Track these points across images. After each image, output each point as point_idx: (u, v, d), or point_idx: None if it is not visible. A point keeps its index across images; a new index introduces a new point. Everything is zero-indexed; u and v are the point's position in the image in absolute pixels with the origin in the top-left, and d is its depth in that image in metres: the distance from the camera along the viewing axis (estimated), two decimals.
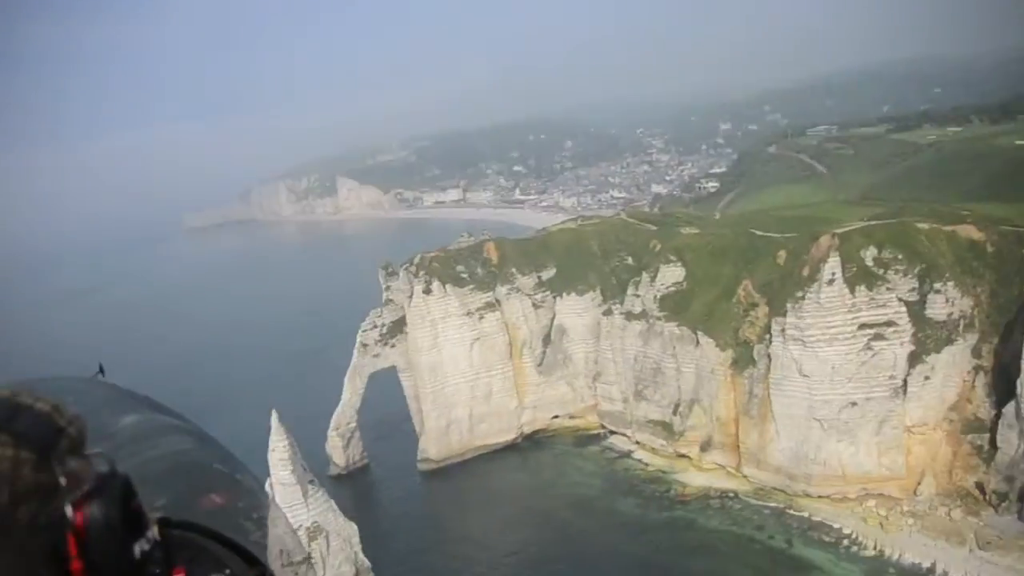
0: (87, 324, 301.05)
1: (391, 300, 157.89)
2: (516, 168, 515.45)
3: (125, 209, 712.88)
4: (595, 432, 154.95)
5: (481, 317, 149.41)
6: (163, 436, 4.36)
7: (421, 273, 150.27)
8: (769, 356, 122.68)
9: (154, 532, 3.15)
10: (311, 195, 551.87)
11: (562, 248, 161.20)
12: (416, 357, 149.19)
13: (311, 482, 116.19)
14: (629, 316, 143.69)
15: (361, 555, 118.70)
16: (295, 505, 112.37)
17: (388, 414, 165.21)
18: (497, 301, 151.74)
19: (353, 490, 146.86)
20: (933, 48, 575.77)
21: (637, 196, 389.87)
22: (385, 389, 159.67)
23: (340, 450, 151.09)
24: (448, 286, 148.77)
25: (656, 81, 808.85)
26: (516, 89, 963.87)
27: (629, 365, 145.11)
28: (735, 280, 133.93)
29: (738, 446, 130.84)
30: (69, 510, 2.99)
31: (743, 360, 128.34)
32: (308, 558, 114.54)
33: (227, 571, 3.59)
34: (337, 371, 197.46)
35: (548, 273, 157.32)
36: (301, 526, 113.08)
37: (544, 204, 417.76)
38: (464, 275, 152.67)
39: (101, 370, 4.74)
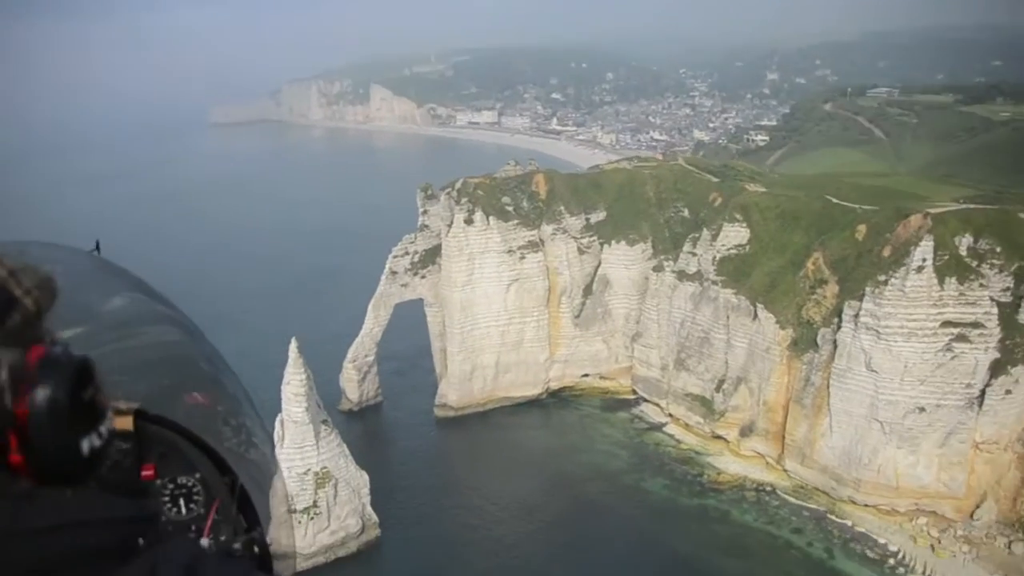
0: (104, 212, 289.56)
1: (427, 226, 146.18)
2: (554, 95, 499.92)
3: (149, 95, 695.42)
4: (625, 397, 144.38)
5: (522, 257, 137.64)
6: (152, 324, 3.96)
7: (464, 200, 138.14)
8: (835, 343, 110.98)
9: (109, 426, 2.87)
10: (342, 101, 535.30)
11: (615, 190, 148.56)
12: (448, 292, 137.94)
13: (324, 422, 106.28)
14: (682, 276, 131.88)
15: (369, 508, 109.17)
16: (306, 446, 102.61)
17: (407, 349, 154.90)
18: (541, 241, 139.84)
19: (364, 430, 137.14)
20: (992, 17, 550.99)
21: (678, 140, 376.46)
22: (406, 322, 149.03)
23: (355, 384, 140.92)
24: (492, 218, 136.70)
25: (704, 19, 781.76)
26: (561, 9, 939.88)
27: (674, 330, 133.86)
28: (805, 251, 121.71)
29: (783, 436, 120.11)
30: (9, 397, 2.71)
31: (804, 342, 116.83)
32: (313, 505, 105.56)
33: (197, 475, 3.47)
34: (357, 293, 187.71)
35: (598, 216, 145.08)
36: (309, 470, 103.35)
37: (581, 137, 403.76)
38: (509, 207, 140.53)
39: (97, 247, 4.31)
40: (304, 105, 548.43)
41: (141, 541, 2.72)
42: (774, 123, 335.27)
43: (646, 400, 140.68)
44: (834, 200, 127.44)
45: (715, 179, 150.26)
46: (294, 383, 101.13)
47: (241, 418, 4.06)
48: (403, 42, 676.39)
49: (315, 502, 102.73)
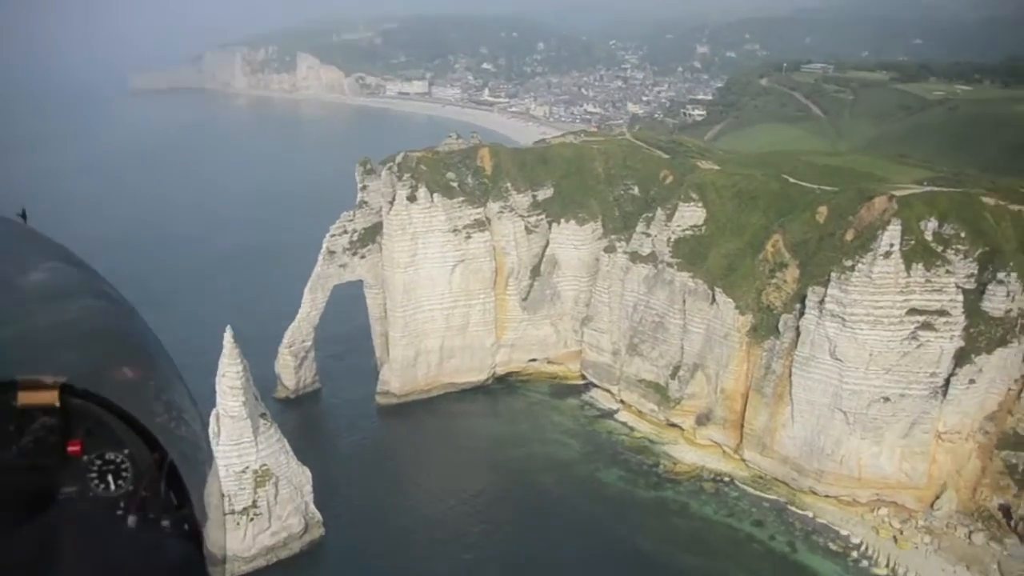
0: (20, 183, 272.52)
1: (366, 203, 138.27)
2: (485, 66, 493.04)
3: (68, 60, 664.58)
4: (574, 383, 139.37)
5: (468, 236, 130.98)
6: (82, 296, 3.88)
7: (406, 176, 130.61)
8: (798, 329, 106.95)
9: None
10: (267, 68, 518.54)
11: (562, 165, 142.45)
12: (390, 274, 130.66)
13: (262, 416, 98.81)
14: (635, 257, 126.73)
15: (312, 506, 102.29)
16: (243, 443, 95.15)
17: (345, 331, 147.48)
18: (487, 219, 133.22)
19: (302, 420, 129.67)
20: None
21: (612, 113, 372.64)
22: (343, 303, 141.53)
23: (291, 371, 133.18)
24: (436, 195, 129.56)
25: None
26: None
27: (626, 313, 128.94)
28: (764, 233, 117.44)
29: (742, 425, 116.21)
30: None
31: (764, 328, 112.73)
32: (253, 505, 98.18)
33: (125, 451, 3.42)
34: (288, 272, 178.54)
35: (545, 193, 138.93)
36: (248, 468, 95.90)
37: (514, 109, 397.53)
38: (454, 184, 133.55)
39: (23, 215, 4.23)
40: (228, 73, 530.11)
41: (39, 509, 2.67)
42: (710, 98, 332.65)
43: (596, 386, 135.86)
44: (791, 180, 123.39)
45: (665, 155, 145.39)
46: (229, 375, 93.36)
47: (172, 394, 3.76)
48: (330, 7, 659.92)
49: (255, 502, 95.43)
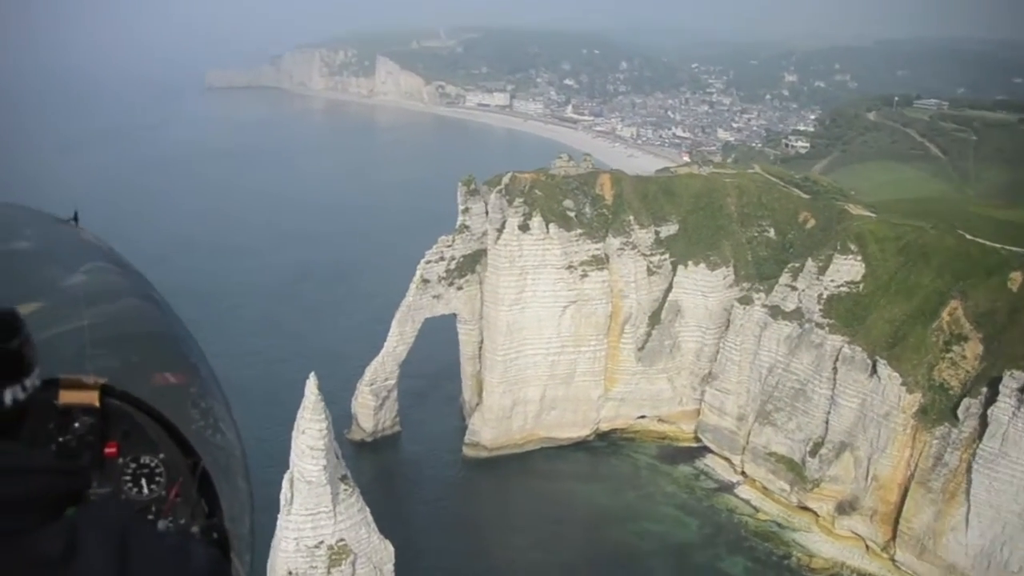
0: (91, 176, 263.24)
1: (467, 227, 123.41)
2: (567, 82, 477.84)
3: (146, 55, 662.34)
4: (686, 445, 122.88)
5: (584, 274, 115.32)
6: (125, 299, 3.92)
7: (518, 200, 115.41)
8: (984, 418, 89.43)
9: (35, 382, 2.92)
10: (345, 71, 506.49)
11: (689, 199, 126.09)
12: (492, 311, 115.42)
13: (343, 478, 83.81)
14: (776, 312, 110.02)
15: None
16: (320, 513, 79.75)
17: (428, 366, 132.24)
18: (606, 256, 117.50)
19: (379, 470, 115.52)
20: (1000, 32, 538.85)
21: (703, 139, 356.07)
22: (428, 334, 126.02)
23: (370, 411, 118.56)
24: (552, 226, 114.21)
25: (712, 12, 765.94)
26: None
27: (759, 375, 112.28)
28: (937, 298, 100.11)
29: (896, 520, 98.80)
30: None
31: (935, 411, 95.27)
32: None
33: (160, 455, 3.47)
34: (360, 296, 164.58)
35: (669, 229, 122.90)
36: (323, 542, 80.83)
37: (600, 128, 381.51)
38: (571, 213, 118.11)
39: (76, 217, 4.28)
40: (305, 73, 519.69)
41: (70, 509, 2.66)
42: (811, 129, 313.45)
43: (713, 453, 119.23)
44: (967, 236, 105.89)
45: (804, 195, 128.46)
46: (311, 433, 78.44)
47: (210, 402, 3.78)
48: (411, 13, 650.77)
49: None
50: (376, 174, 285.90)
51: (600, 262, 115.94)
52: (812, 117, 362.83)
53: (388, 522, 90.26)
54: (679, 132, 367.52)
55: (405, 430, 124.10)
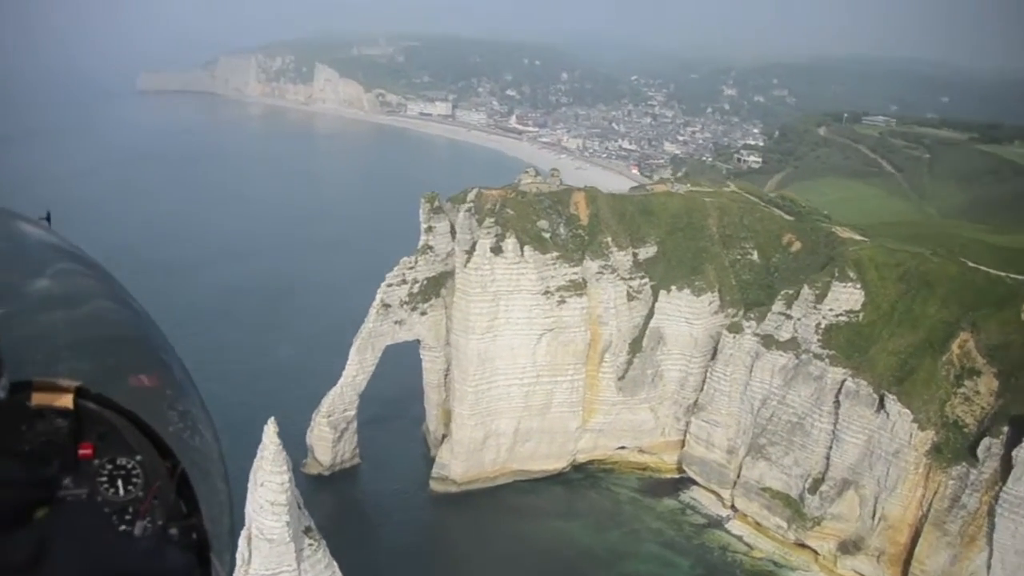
0: (20, 171, 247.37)
1: (430, 247, 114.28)
2: (509, 92, 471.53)
3: (72, 53, 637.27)
4: (668, 476, 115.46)
5: (562, 301, 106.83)
6: (97, 300, 3.84)
7: (488, 221, 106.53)
8: (1009, 460, 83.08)
9: (5, 383, 2.97)
10: (283, 78, 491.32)
11: (668, 220, 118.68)
12: (461, 340, 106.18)
13: (307, 531, 74.06)
14: (768, 342, 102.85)
15: None
16: (282, 572, 70.28)
17: (388, 390, 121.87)
18: (584, 281, 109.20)
19: (338, 506, 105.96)
20: (928, 52, 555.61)
21: (650, 152, 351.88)
22: (386, 357, 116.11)
23: (328, 444, 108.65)
24: (527, 248, 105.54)
25: (652, 27, 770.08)
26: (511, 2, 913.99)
27: (751, 407, 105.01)
28: (944, 328, 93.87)
29: (906, 562, 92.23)
30: None
31: (949, 450, 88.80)
32: None
33: (137, 457, 3.47)
34: (317, 313, 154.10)
35: (647, 251, 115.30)
36: None
37: (545, 139, 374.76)
38: (546, 235, 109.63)
39: (48, 218, 4.23)
40: (241, 79, 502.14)
41: (41, 511, 2.64)
42: (761, 143, 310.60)
43: (699, 485, 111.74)
44: (970, 263, 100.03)
45: (788, 216, 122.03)
46: (271, 487, 68.64)
47: (186, 404, 3.75)
48: (351, 19, 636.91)
49: None
50: (318, 184, 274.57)
51: (578, 287, 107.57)
52: (755, 131, 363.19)
53: (352, 569, 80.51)
54: (625, 144, 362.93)
55: (365, 462, 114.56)
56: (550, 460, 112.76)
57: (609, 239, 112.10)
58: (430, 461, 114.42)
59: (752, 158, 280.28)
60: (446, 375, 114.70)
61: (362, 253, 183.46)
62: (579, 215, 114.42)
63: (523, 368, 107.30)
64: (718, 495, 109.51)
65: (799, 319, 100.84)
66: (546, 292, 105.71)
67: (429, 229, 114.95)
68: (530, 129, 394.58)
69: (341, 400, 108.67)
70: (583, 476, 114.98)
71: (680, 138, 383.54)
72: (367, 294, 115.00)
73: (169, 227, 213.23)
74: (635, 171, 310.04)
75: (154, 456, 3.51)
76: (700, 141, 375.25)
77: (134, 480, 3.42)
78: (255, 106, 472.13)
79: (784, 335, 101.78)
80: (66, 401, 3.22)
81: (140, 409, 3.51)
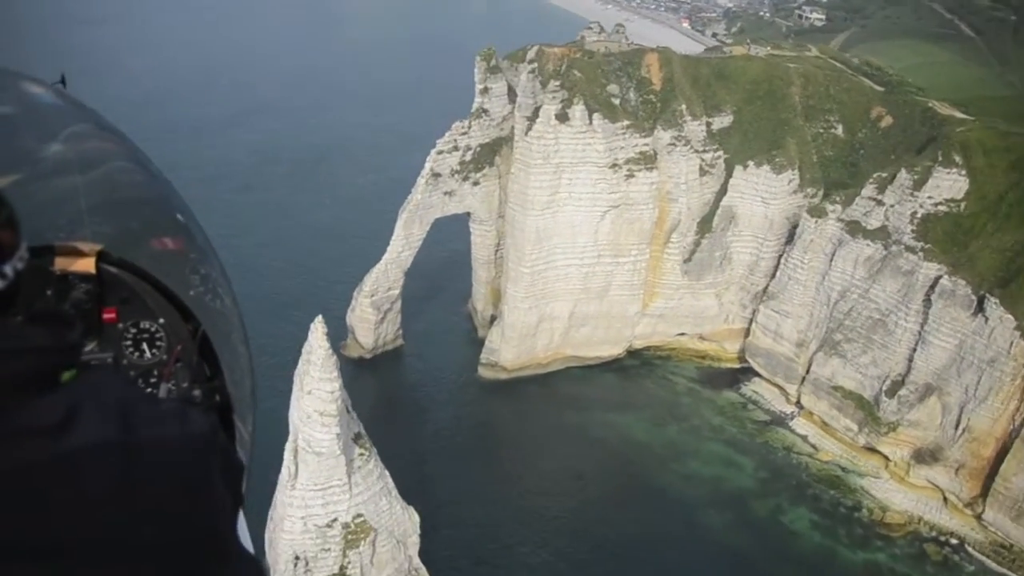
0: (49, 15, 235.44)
1: (485, 111, 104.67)
2: None
3: None
4: (728, 366, 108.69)
5: (630, 175, 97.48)
6: (121, 165, 3.71)
7: (553, 83, 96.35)
8: None
9: (24, 253, 2.80)
10: None
11: (746, 86, 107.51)
12: (518, 215, 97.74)
13: (356, 438, 67.89)
14: (855, 229, 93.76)
15: (417, 559, 72.52)
16: (332, 487, 64.16)
17: (427, 264, 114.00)
18: (654, 153, 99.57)
19: (381, 393, 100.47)
20: None
21: (702, 4, 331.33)
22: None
23: (370, 326, 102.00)
24: (595, 116, 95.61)
25: None
26: None
27: (828, 299, 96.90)
28: None
29: (988, 477, 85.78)
30: None
31: None
32: (341, 573, 67.74)
33: (160, 321, 3.47)
34: (345, 184, 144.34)
35: (722, 121, 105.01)
36: (336, 520, 65.38)
37: None
38: (616, 101, 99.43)
39: (63, 81, 3.98)
40: None
41: (67, 374, 2.65)
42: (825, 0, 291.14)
43: (762, 378, 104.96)
44: None
45: (878, 87, 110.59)
46: (320, 395, 61.92)
47: (208, 268, 3.67)
48: None
49: (343, 568, 65.30)
50: (342, 32, 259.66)
51: (649, 160, 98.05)
52: None
53: (393, 455, 75.15)
54: None
55: (408, 344, 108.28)
56: (606, 346, 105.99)
57: (683, 107, 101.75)
58: (476, 342, 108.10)
59: (815, 15, 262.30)
60: (496, 251, 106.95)
61: (395, 110, 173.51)
62: (651, 79, 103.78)
63: (583, 248, 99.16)
64: (783, 390, 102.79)
65: (892, 206, 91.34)
66: (614, 165, 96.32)
67: (485, 90, 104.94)
68: None
69: (385, 278, 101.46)
70: (639, 363, 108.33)
71: None
72: (412, 161, 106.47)
73: (196, 81, 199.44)
74: (685, 24, 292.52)
75: (176, 319, 3.45)
76: None
77: (158, 343, 3.42)
78: None
79: (873, 223, 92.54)
80: (88, 265, 3.19)
81: (162, 272, 3.38)
